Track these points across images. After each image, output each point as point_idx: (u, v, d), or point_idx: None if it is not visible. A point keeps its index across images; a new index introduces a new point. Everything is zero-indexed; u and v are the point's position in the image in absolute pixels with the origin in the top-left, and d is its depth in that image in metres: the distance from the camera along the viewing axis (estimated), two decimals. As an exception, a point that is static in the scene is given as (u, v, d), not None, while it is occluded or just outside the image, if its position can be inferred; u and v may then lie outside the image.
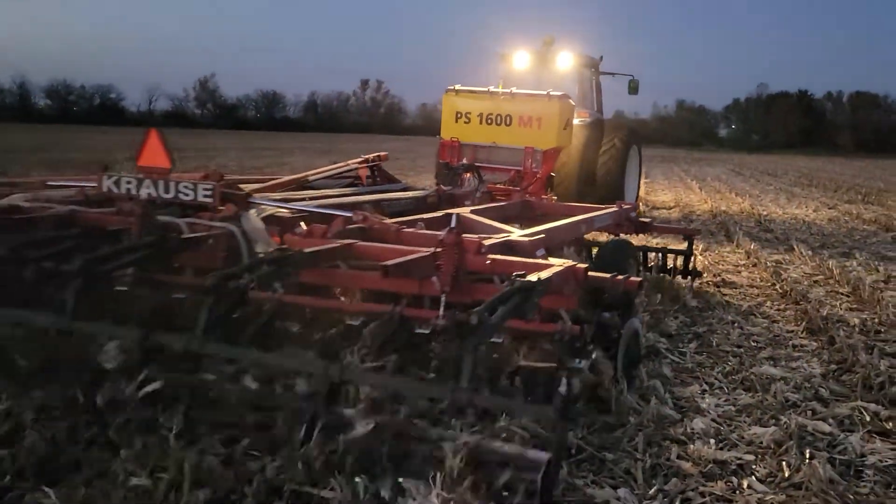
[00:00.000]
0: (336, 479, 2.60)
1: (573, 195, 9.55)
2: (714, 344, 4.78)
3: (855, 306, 6.01)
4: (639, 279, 3.81)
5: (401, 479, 2.61)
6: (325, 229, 4.03)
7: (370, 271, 3.57)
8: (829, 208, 15.28)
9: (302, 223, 4.29)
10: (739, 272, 7.45)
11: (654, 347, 4.46)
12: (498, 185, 8.87)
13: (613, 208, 6.19)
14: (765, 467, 3.02)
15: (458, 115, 9.85)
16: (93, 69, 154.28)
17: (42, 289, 3.42)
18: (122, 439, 2.88)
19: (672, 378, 4.01)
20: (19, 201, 4.58)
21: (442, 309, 3.19)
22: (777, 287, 6.64)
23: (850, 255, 8.68)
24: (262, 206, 4.53)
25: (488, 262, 3.50)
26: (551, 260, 3.70)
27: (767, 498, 2.76)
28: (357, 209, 4.59)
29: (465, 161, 9.19)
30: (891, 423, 3.53)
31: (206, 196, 4.35)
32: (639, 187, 13.19)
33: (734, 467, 3.02)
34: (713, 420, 3.49)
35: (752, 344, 4.84)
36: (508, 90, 9.87)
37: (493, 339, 2.90)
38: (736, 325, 5.25)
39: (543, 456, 2.43)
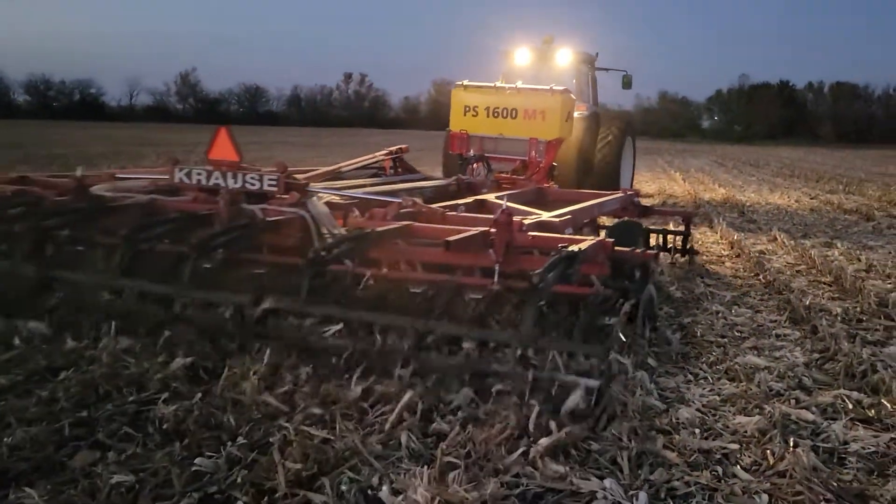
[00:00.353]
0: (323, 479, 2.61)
1: (572, 183, 10.24)
2: (699, 334, 4.80)
3: (837, 295, 6.06)
4: (654, 252, 4.83)
5: (391, 474, 2.64)
6: (384, 213, 4.79)
7: (429, 247, 4.25)
8: (811, 198, 15.40)
9: (355, 209, 5.00)
10: (723, 262, 7.50)
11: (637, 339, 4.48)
12: (503, 174, 9.22)
13: (619, 194, 7.29)
14: (749, 456, 3.04)
15: (467, 109, 10.25)
16: (72, 64, 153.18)
17: (157, 263, 4.20)
18: (111, 440, 2.88)
19: (657, 368, 4.03)
20: (102, 191, 5.19)
21: (497, 276, 3.86)
22: (760, 277, 6.69)
23: (832, 245, 8.75)
24: (320, 194, 5.16)
25: (530, 237, 4.17)
26: (580, 236, 4.55)
27: (752, 486, 2.78)
28: (395, 196, 5.36)
29: (472, 152, 9.73)
30: (873, 411, 3.56)
31: (271, 185, 4.87)
32: (633, 176, 13.86)
33: (719, 456, 3.04)
34: (698, 410, 3.51)
35: (736, 334, 4.87)
36: (514, 85, 10.32)
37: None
38: (720, 315, 5.28)
39: (595, 382, 3.16)
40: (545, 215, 4.99)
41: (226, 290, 3.96)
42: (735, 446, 3.12)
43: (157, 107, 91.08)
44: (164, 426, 3.02)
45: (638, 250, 4.47)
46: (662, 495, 2.71)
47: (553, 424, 3.03)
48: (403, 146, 9.48)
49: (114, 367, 3.59)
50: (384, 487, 2.59)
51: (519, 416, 3.09)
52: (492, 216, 4.37)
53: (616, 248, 4.20)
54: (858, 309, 5.54)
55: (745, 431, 3.27)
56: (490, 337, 3.55)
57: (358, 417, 3.21)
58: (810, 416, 3.47)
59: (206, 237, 4.09)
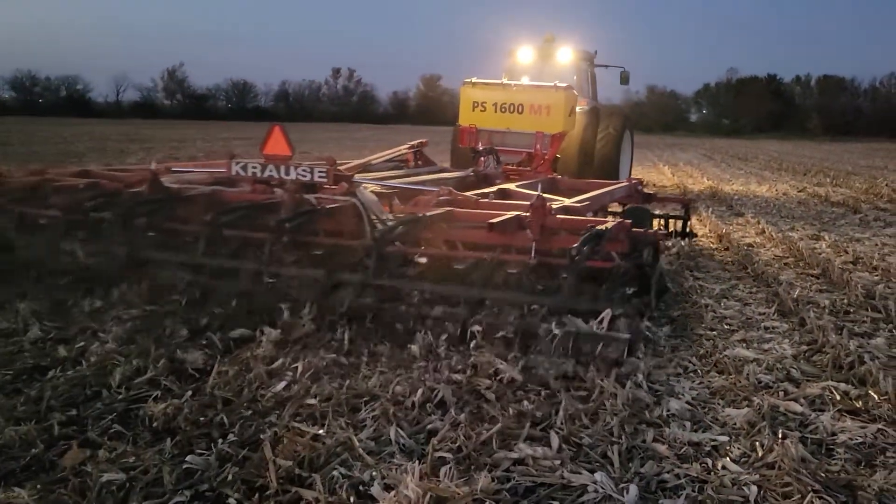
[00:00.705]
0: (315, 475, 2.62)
1: (574, 174, 10.73)
2: (688, 328, 4.82)
3: (825, 288, 6.10)
4: (664, 232, 6.22)
5: (380, 472, 2.64)
6: (427, 200, 5.39)
7: (469, 229, 4.83)
8: (799, 191, 15.47)
9: (395, 197, 5.64)
10: (712, 256, 7.53)
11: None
12: (510, 167, 9.78)
13: (626, 183, 8.00)
14: (738, 448, 3.06)
15: (475, 105, 10.92)
16: (58, 60, 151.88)
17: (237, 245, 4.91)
18: (101, 438, 2.88)
19: (647, 362, 4.04)
20: (168, 184, 5.71)
21: (533, 252, 4.44)
22: (748, 269, 6.72)
23: (820, 237, 8.79)
24: (364, 185, 5.68)
25: (560, 219, 4.73)
26: (601, 218, 5.39)
27: (741, 478, 2.79)
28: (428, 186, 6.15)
29: (481, 145, 10.12)
30: (860, 402, 3.59)
31: (321, 177, 5.33)
32: (631, 167, 14.44)
33: (708, 449, 3.06)
34: (688, 403, 3.53)
35: (725, 327, 4.90)
36: (520, 82, 11.24)
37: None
38: (709, 308, 5.30)
39: (626, 336, 3.77)
40: (567, 201, 5.70)
41: (295, 267, 4.69)
42: (724, 438, 3.14)
43: (144, 103, 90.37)
44: (155, 424, 3.02)
45: (650, 231, 5.18)
46: (653, 488, 2.73)
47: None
48: (424, 140, 10.37)
49: (103, 365, 3.59)
50: (376, 483, 2.60)
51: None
52: (518, 202, 5.28)
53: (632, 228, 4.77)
54: (846, 301, 5.57)
55: (735, 424, 3.30)
56: (537, 301, 4.15)
57: (349, 413, 3.22)
58: (798, 408, 3.49)
59: (282, 221, 4.64)
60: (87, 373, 3.49)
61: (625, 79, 15.36)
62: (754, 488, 2.71)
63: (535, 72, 12.81)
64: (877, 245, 8.35)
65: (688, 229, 8.04)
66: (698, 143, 50.56)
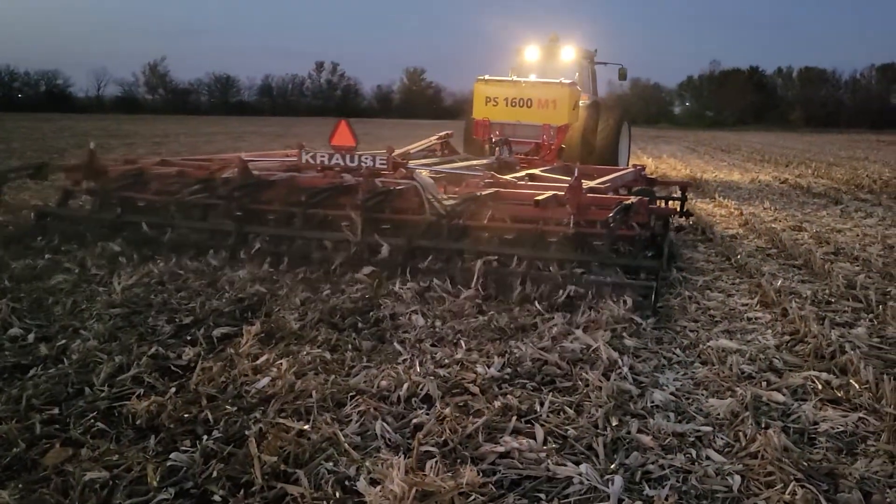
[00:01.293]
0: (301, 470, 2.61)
1: (577, 162, 11.00)
2: (672, 319, 4.85)
3: (807, 278, 6.14)
4: (673, 208, 8.03)
5: (366, 466, 2.64)
6: (476, 182, 6.63)
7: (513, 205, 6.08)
8: (781, 182, 15.57)
9: (446, 182, 6.78)
10: (696, 247, 7.56)
11: (611, 322, 4.52)
12: (519, 155, 10.84)
13: (631, 168, 9.28)
14: (722, 438, 3.09)
15: (488, 99, 12.03)
16: (37, 54, 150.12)
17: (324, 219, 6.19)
18: (84, 437, 2.86)
19: (632, 353, 4.07)
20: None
21: (572, 223, 5.59)
22: (731, 261, 6.76)
23: (802, 228, 8.85)
24: (417, 170, 6.73)
25: (591, 197, 5.97)
26: (623, 196, 6.62)
27: (725, 468, 2.82)
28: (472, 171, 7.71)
29: (493, 137, 11.43)
30: (841, 392, 3.62)
31: (382, 164, 6.55)
32: (629, 155, 15.53)
33: (693, 439, 3.08)
34: (672, 394, 3.55)
35: (709, 318, 4.92)
36: (529, 79, 12.30)
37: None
38: (693, 299, 5.33)
39: (652, 283, 4.96)
40: (591, 183, 6.92)
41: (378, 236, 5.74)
42: (708, 429, 3.16)
43: (125, 98, 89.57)
44: (138, 421, 3.00)
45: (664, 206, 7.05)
46: (638, 479, 2.74)
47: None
48: (450, 132, 12.08)
49: (85, 362, 3.57)
50: (361, 477, 2.59)
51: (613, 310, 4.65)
52: (550, 184, 6.79)
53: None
54: (827, 291, 5.62)
55: (718, 414, 3.32)
56: (582, 258, 5.39)
57: (334, 408, 3.22)
58: (781, 398, 3.52)
59: (366, 200, 5.88)
60: (69, 370, 3.47)
61: (623, 75, 16.46)
62: (738, 478, 2.73)
63: (541, 69, 13.72)
64: (857, 235, 8.42)
65: (685, 209, 9.18)
66: (681, 136, 50.77)
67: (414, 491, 2.44)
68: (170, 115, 66.54)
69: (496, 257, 5.45)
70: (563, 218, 5.69)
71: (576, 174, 6.03)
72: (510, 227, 5.92)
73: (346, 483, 2.59)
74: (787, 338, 4.48)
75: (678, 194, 9.41)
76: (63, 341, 3.87)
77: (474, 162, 9.38)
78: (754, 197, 12.64)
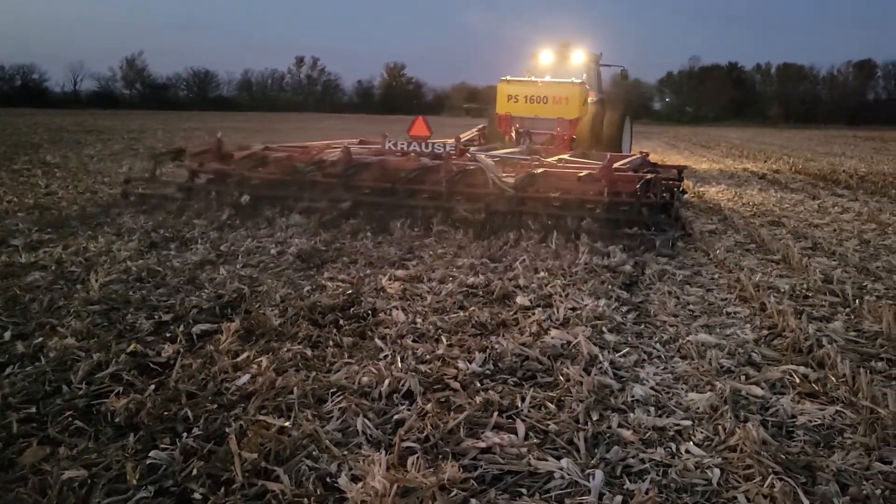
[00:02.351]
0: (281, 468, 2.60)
1: (586, 150, 12.96)
2: (652, 314, 4.87)
3: (785, 273, 6.20)
4: (679, 180, 9.85)
5: (348, 463, 2.63)
6: (528, 164, 8.69)
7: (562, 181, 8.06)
8: (760, 178, 15.69)
9: (502, 164, 8.74)
10: (676, 244, 7.60)
11: (592, 318, 4.54)
12: (537, 145, 12.78)
13: (639, 154, 10.97)
14: (702, 432, 3.11)
15: (510, 97, 14.21)
16: (12, 48, 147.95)
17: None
18: (62, 435, 2.83)
19: (612, 348, 4.09)
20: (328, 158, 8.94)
21: (606, 193, 7.51)
22: (711, 256, 6.80)
23: (780, 224, 8.93)
24: (479, 155, 9.12)
25: (618, 174, 7.83)
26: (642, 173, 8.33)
27: (704, 461, 2.84)
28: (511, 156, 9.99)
29: (514, 129, 14.08)
30: (819, 385, 3.66)
31: (451, 150, 8.66)
32: (631, 145, 17.32)
33: (672, 433, 3.10)
34: (652, 388, 3.57)
35: (689, 313, 4.96)
36: (545, 79, 14.44)
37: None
38: (672, 294, 5.36)
39: (672, 234, 7.23)
40: (615, 164, 8.67)
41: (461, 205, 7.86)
42: (688, 423, 3.18)
43: (102, 93, 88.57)
44: (117, 419, 2.98)
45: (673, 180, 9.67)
46: (618, 473, 2.76)
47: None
48: (484, 124, 15.28)
49: (62, 360, 3.53)
50: (343, 474, 2.59)
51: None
52: (584, 164, 8.98)
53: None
54: (805, 286, 5.67)
55: (698, 408, 3.34)
56: (613, 216, 7.40)
57: (315, 405, 3.21)
58: (759, 392, 3.55)
59: (451, 177, 8.01)
60: (46, 369, 3.43)
61: (625, 76, 19.58)
62: (717, 471, 2.75)
63: (554, 70, 15.60)
64: (835, 230, 8.51)
65: (680, 188, 10.57)
66: (661, 131, 51.02)
67: (395, 487, 2.44)
68: (147, 110, 65.84)
69: (550, 220, 7.44)
70: (599, 190, 7.62)
71: (608, 158, 8.68)
72: (558, 197, 7.90)
73: (328, 480, 2.59)
74: (765, 332, 4.52)
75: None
76: (40, 339, 3.83)
77: (511, 149, 11.77)
78: (733, 192, 12.72)
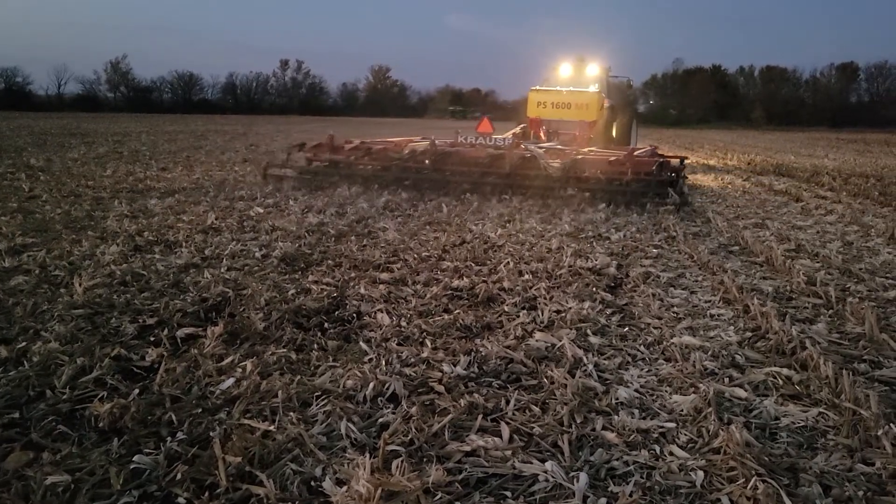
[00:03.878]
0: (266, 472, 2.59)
1: (601, 148, 15.45)
2: (636, 316, 4.89)
3: (768, 275, 6.24)
4: (684, 164, 11.50)
5: (332, 467, 2.63)
6: (569, 153, 11.84)
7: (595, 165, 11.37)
8: (743, 180, 15.80)
9: (548, 153, 11.71)
10: (661, 247, 7.63)
11: (576, 321, 4.55)
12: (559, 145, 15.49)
13: (649, 147, 13.92)
14: (685, 434, 3.12)
15: (539, 103, 17.58)
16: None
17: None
18: (45, 440, 2.81)
19: (597, 351, 4.10)
20: (421, 146, 12.39)
21: (630, 173, 10.81)
22: (695, 258, 6.84)
23: (763, 226, 8.99)
24: (531, 146, 12.28)
25: (638, 160, 11.41)
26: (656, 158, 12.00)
27: (688, 464, 2.85)
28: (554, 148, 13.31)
29: (542, 131, 17.77)
30: (802, 387, 3.68)
31: (509, 142, 12.06)
32: (637, 142, 19.65)
33: (656, 435, 3.11)
34: (636, 391, 3.58)
35: (673, 315, 4.98)
36: (569, 88, 18.07)
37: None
38: (656, 297, 5.38)
39: (678, 198, 10.29)
40: (634, 153, 11.96)
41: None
42: (672, 425, 3.20)
43: (86, 96, 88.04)
44: (101, 424, 2.96)
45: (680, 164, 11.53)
46: (602, 475, 2.76)
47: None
48: (525, 124, 18.13)
49: (46, 365, 3.51)
50: (327, 478, 2.58)
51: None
52: (609, 153, 12.01)
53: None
54: (788, 288, 5.71)
55: (682, 410, 3.35)
56: (637, 188, 10.62)
57: (300, 409, 3.20)
58: (743, 394, 3.57)
59: (514, 163, 11.26)
60: (29, 373, 3.41)
61: (629, 86, 24.26)
62: (701, 473, 2.77)
63: (572, 81, 19.16)
64: (818, 233, 8.58)
65: (683, 172, 12.44)
66: (646, 133, 50.93)
67: (380, 491, 2.44)
68: (131, 113, 65.46)
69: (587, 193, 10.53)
70: (624, 170, 10.94)
71: (629, 149, 12.94)
72: (594, 177, 10.96)
73: (312, 484, 2.58)
74: (748, 334, 4.54)
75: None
76: (23, 343, 3.80)
77: (548, 144, 14.66)
78: (717, 194, 12.80)
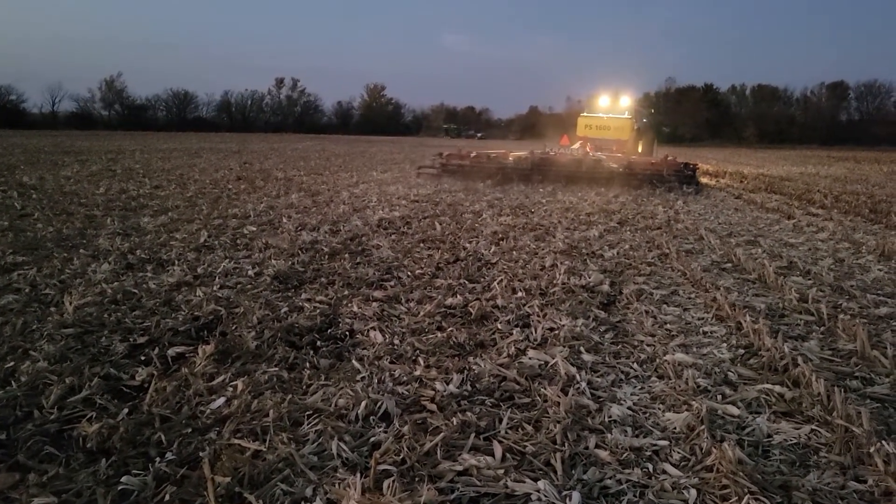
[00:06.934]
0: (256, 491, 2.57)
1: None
2: (629, 333, 4.88)
3: (760, 292, 6.24)
4: (696, 166, 19.83)
5: (323, 487, 2.61)
6: (620, 159, 19.42)
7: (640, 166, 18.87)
8: (735, 197, 15.86)
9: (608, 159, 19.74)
10: (654, 264, 7.64)
11: (569, 338, 4.54)
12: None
13: (668, 156, 21.48)
14: (678, 452, 3.11)
15: (586, 126, 24.66)
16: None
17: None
18: (33, 461, 2.79)
19: (590, 368, 4.09)
20: (517, 156, 19.61)
21: (666, 171, 18.15)
22: (688, 276, 6.84)
23: (755, 243, 9.01)
24: (596, 154, 21.06)
25: (667, 163, 18.98)
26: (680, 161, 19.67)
27: (681, 482, 2.84)
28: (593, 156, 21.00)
29: (589, 147, 23.06)
30: (794, 404, 3.68)
31: (577, 151, 21.54)
32: (657, 154, 25.88)
33: (649, 454, 3.09)
34: (629, 408, 3.57)
35: (666, 332, 4.97)
36: (609, 115, 25.26)
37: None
38: (650, 314, 5.38)
39: (695, 187, 17.92)
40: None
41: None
42: (665, 443, 3.19)
43: (80, 114, 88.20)
44: (89, 445, 2.93)
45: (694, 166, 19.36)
46: (595, 494, 2.75)
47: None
48: (564, 141, 24.22)
49: (34, 385, 3.49)
50: (318, 498, 2.56)
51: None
52: (646, 160, 20.64)
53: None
54: (781, 305, 5.72)
55: (675, 428, 3.34)
56: (666, 182, 17.75)
57: (291, 428, 3.18)
58: (736, 411, 3.56)
59: (588, 165, 18.52)
60: (17, 393, 3.38)
61: (651, 113, 28.83)
62: (693, 491, 2.76)
63: (606, 109, 25.96)
64: (809, 250, 8.60)
65: (696, 172, 19.15)
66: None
67: (371, 511, 2.42)
68: (126, 131, 65.48)
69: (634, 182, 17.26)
70: (658, 170, 17.86)
71: (663, 156, 20.49)
72: (642, 173, 17.61)
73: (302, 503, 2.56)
74: (741, 351, 4.54)
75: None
76: (11, 363, 3.78)
77: (599, 154, 20.54)
78: (709, 212, 12.84)
